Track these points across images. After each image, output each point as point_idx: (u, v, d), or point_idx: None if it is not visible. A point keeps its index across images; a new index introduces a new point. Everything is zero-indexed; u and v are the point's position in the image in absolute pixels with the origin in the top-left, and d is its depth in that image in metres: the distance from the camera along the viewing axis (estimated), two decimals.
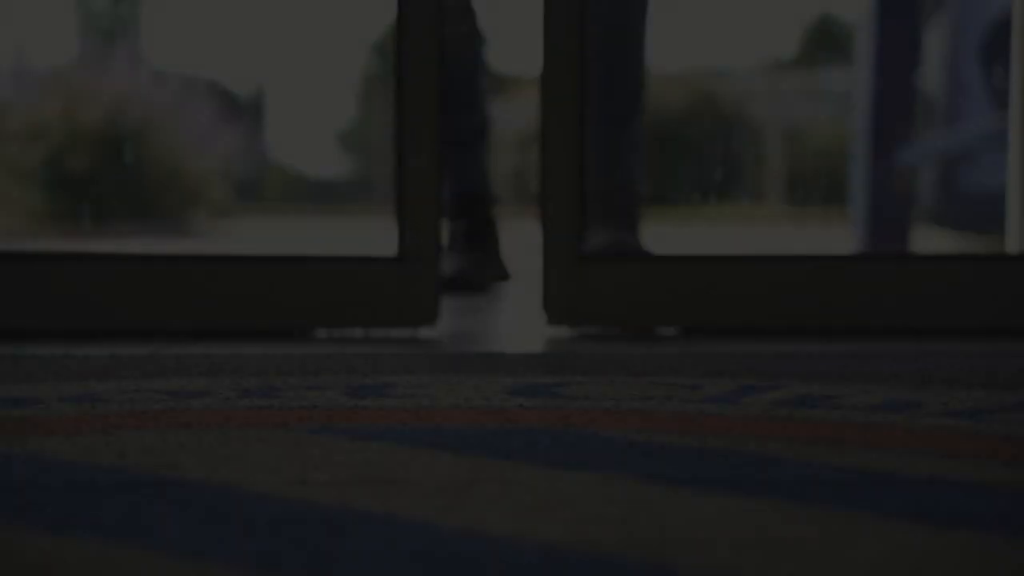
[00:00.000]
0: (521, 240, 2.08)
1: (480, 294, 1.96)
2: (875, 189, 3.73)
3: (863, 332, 1.39)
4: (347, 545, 0.54)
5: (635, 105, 1.89)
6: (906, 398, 0.90)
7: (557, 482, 0.65)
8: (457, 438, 0.76)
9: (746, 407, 0.86)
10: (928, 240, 3.66)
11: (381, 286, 1.38)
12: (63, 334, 1.33)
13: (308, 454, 0.71)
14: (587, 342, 1.32)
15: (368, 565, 0.51)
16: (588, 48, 1.40)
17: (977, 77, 3.40)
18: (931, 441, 0.75)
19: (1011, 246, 1.62)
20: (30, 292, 1.38)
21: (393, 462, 0.69)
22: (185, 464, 0.69)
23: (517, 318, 1.68)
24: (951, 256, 1.68)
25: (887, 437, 0.76)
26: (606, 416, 0.83)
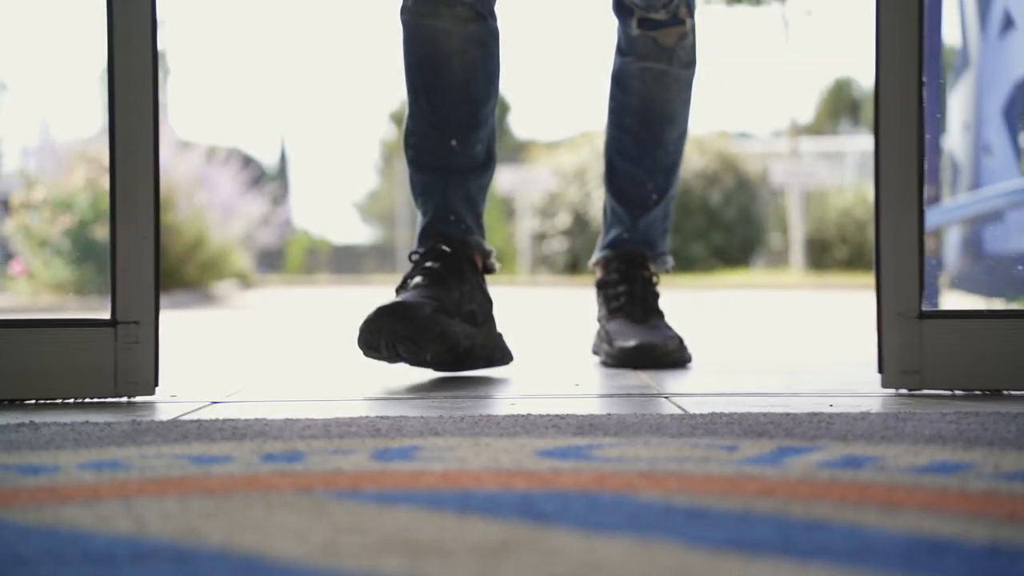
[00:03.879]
0: (535, 301, 1.99)
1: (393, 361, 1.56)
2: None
3: None
4: None
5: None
6: (955, 460, 0.86)
7: (595, 547, 0.62)
8: (488, 501, 0.72)
9: (787, 468, 0.83)
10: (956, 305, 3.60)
11: (93, 352, 1.33)
12: None
13: (334, 519, 0.68)
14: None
15: None
16: None
17: (1002, 139, 3.38)
18: (988, 504, 0.71)
19: None
20: None
21: (423, 526, 0.66)
22: (206, 531, 0.66)
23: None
24: None
25: (940, 500, 0.72)
26: (642, 478, 0.80)
